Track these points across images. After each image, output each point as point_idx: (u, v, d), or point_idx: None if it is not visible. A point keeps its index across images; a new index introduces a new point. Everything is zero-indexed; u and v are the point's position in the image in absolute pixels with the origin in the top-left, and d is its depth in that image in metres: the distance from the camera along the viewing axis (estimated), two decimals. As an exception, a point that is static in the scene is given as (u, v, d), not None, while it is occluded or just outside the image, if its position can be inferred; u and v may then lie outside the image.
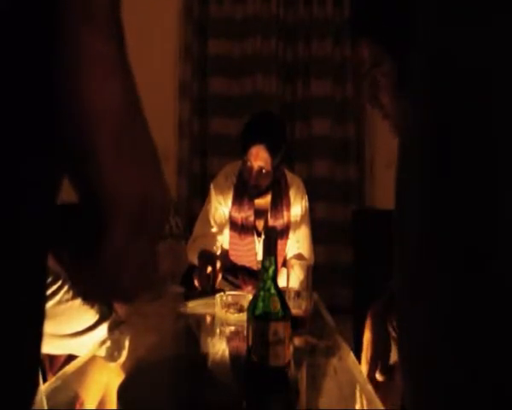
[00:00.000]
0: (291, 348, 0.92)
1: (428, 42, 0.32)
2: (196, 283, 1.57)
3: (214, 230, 1.83)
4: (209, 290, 1.52)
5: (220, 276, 1.60)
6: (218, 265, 1.58)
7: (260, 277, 0.91)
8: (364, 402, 0.81)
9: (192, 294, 1.54)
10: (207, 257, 1.62)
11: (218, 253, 1.81)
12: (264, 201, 1.81)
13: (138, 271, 0.32)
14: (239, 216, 1.80)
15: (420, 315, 0.33)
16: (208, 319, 1.35)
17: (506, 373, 0.28)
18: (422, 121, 0.33)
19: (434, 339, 0.32)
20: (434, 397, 0.32)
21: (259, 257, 1.77)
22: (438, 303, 0.31)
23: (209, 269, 1.56)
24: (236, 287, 1.75)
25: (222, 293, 1.37)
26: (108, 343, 1.01)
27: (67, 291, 0.94)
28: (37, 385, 0.32)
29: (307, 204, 1.89)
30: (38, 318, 0.32)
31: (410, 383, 0.35)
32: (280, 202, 1.82)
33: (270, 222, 1.80)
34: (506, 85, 0.28)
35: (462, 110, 0.30)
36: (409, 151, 0.35)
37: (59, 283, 0.93)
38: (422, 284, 0.33)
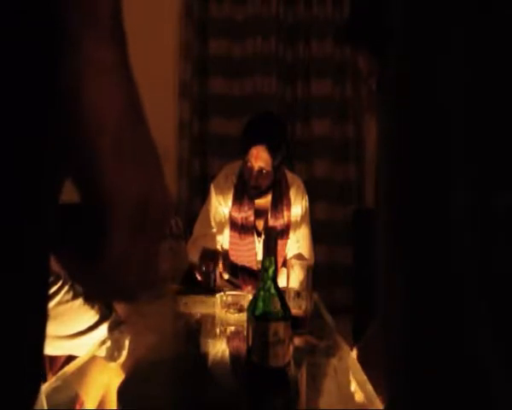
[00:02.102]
0: (291, 348, 0.92)
1: (397, 57, 0.34)
2: (199, 277, 1.58)
3: (214, 230, 1.83)
4: (212, 287, 1.53)
5: (225, 274, 1.62)
6: (221, 263, 1.60)
7: (260, 277, 0.91)
8: (364, 402, 0.81)
9: (191, 291, 1.55)
10: (210, 254, 1.63)
11: (218, 253, 1.82)
12: (265, 201, 1.82)
13: (140, 271, 0.32)
14: (239, 216, 1.80)
15: (396, 306, 0.34)
16: (208, 319, 1.35)
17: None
18: (388, 132, 0.35)
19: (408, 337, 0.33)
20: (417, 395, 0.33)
21: (259, 257, 1.77)
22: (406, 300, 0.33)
23: (211, 266, 1.57)
24: (236, 287, 1.75)
25: (222, 293, 1.37)
26: (108, 343, 1.01)
27: (68, 292, 0.94)
28: (38, 387, 0.32)
29: (307, 204, 1.89)
30: (41, 319, 0.32)
31: (392, 382, 0.35)
32: (280, 202, 1.82)
33: (271, 222, 1.80)
34: (457, 104, 0.29)
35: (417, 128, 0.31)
36: (380, 156, 0.37)
37: (59, 283, 0.93)
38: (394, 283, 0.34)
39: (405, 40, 0.32)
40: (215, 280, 1.57)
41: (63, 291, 0.93)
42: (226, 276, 1.63)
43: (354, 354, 1.03)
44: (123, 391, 0.84)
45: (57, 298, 0.92)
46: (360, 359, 0.98)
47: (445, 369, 0.30)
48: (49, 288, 0.91)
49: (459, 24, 0.29)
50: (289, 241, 1.84)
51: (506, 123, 0.28)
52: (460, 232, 0.28)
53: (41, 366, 0.33)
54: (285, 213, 1.82)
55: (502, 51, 0.28)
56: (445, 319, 0.29)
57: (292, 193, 1.85)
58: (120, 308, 1.11)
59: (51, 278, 0.92)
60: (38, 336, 0.31)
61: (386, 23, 0.34)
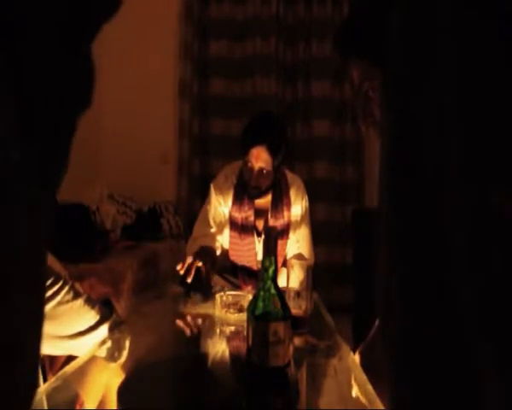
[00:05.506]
0: (291, 348, 0.92)
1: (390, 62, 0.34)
2: (178, 267, 1.50)
3: (213, 230, 1.83)
4: (197, 288, 1.50)
5: (212, 274, 1.60)
6: (208, 265, 1.56)
7: (260, 277, 0.91)
8: (365, 403, 0.81)
9: (191, 290, 1.54)
10: (206, 252, 1.62)
11: (218, 253, 1.81)
12: (265, 201, 1.82)
13: None
14: (239, 216, 1.80)
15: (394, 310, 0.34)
16: (208, 319, 1.35)
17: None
18: (387, 134, 0.35)
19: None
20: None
21: (259, 257, 1.77)
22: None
23: (199, 264, 1.52)
24: (236, 287, 1.75)
25: (222, 293, 1.37)
26: (109, 344, 1.01)
27: (68, 292, 0.94)
28: (36, 386, 0.32)
29: (307, 204, 1.90)
30: (38, 317, 0.32)
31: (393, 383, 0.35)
32: (280, 202, 1.82)
33: (271, 222, 1.80)
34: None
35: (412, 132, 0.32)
36: (381, 161, 0.37)
37: (60, 283, 0.93)
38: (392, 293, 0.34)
39: (404, 41, 0.32)
40: (206, 279, 1.54)
41: (64, 291, 0.93)
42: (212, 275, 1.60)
43: (356, 358, 1.02)
44: (123, 391, 0.84)
45: (58, 298, 0.92)
46: (363, 363, 0.98)
47: (443, 370, 0.30)
48: (50, 288, 0.91)
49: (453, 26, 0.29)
50: (289, 241, 1.84)
51: (506, 122, 0.28)
52: (460, 233, 0.28)
53: (38, 365, 0.33)
54: (285, 213, 1.82)
55: (498, 47, 0.28)
56: (444, 321, 0.29)
57: (292, 193, 1.85)
58: (120, 308, 1.11)
59: (52, 279, 0.92)
60: (35, 335, 0.31)
61: (386, 24, 0.34)
